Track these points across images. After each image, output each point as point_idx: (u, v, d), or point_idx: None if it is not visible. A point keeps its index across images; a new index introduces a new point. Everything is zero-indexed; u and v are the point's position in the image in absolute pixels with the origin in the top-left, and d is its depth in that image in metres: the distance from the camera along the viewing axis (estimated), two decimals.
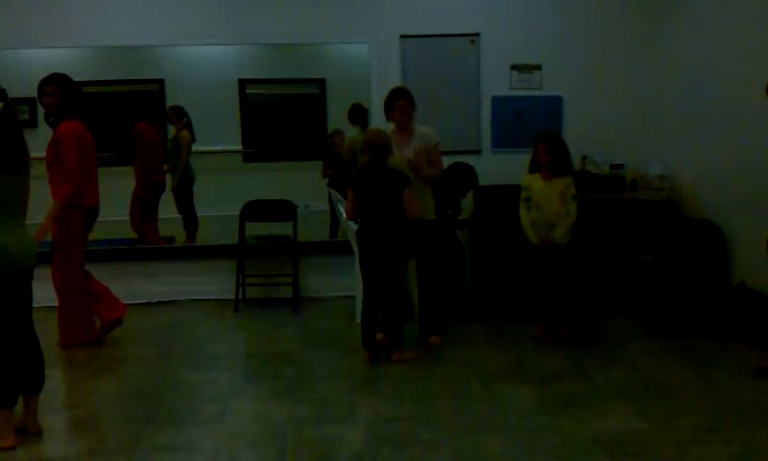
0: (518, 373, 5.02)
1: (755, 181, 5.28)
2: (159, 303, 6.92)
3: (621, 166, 6.84)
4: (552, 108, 7.18)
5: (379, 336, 5.39)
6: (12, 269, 3.81)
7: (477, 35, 7.12)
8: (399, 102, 5.60)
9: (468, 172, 6.46)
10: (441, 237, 5.88)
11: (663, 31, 7.03)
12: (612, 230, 6.48)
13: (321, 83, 9.57)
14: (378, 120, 6.82)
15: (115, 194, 7.72)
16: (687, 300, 5.81)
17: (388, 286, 5.26)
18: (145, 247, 7.65)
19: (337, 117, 9.04)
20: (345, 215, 5.99)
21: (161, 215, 8.33)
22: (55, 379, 4.85)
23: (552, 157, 5.65)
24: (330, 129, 9.08)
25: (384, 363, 5.19)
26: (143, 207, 8.13)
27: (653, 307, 6.08)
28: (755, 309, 5.45)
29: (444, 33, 7.09)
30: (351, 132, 8.27)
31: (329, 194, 7.78)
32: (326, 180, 8.39)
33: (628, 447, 3.84)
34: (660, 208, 6.51)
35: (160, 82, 9.23)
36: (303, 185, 8.66)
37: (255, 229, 7.03)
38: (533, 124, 6.97)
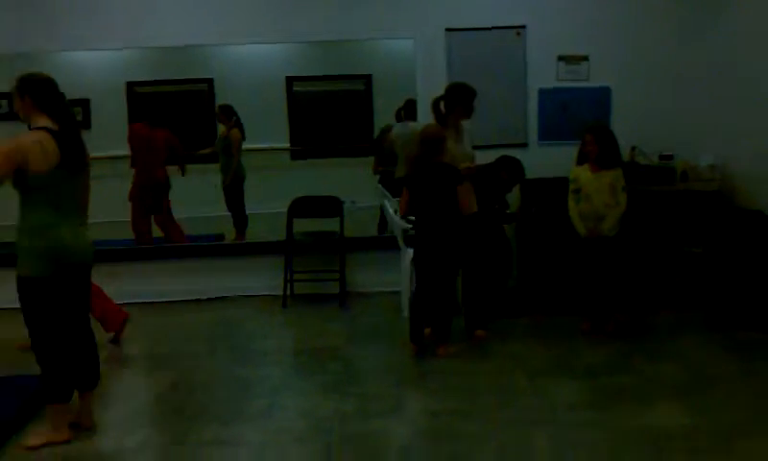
0: (565, 367, 4.99)
1: None
2: (210, 299, 7.02)
3: (671, 157, 6.72)
4: (600, 98, 7.08)
5: (427, 331, 5.41)
6: (68, 262, 3.93)
7: (523, 27, 7.06)
8: (475, 101, 5.69)
9: (515, 165, 6.42)
10: (487, 231, 5.86)
11: (715, 20, 6.86)
12: (662, 221, 6.37)
13: (367, 78, 9.58)
14: (425, 115, 6.83)
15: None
16: (739, 293, 5.70)
17: (441, 282, 5.27)
18: (197, 245, 7.75)
19: (384, 113, 9.06)
20: (391, 211, 6.04)
21: (212, 213, 8.45)
22: (108, 375, 4.97)
23: (600, 148, 5.59)
24: (378, 125, 9.10)
25: (430, 358, 5.20)
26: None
27: (703, 300, 5.97)
28: None
29: (489, 25, 7.05)
30: (407, 127, 8.20)
31: (379, 190, 7.81)
32: (377, 176, 8.41)
33: (674, 441, 3.81)
34: (712, 200, 6.38)
35: (210, 81, 9.35)
36: (351, 181, 8.66)
37: (303, 225, 7.09)
38: (580, 115, 6.88)
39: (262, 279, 7.07)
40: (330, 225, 7.03)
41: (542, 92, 7.11)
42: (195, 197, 8.53)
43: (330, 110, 9.76)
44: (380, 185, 7.69)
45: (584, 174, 5.67)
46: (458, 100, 5.67)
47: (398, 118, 8.52)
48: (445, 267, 5.27)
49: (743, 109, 6.46)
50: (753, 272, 5.76)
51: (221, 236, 8.28)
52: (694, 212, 6.34)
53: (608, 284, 5.61)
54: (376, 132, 9.17)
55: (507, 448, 3.82)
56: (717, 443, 3.78)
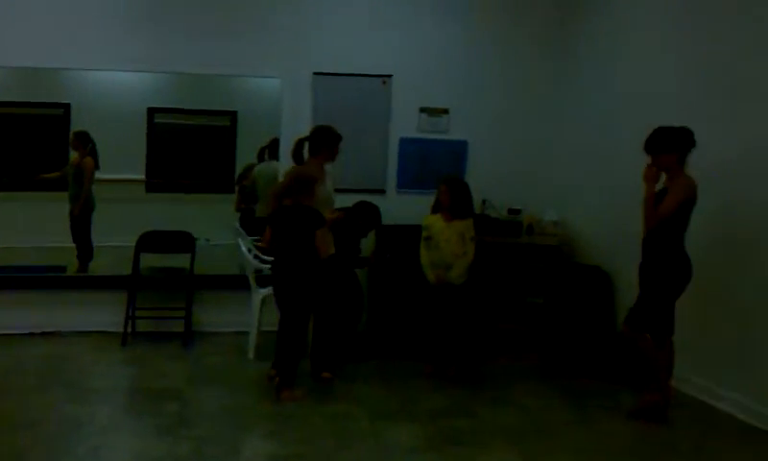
0: (407, 411, 5.00)
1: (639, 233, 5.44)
2: (45, 333, 6.62)
3: (519, 211, 6.98)
4: (457, 151, 7.29)
5: (272, 372, 5.31)
6: None
7: (389, 76, 7.19)
8: (340, 145, 5.75)
9: (372, 211, 6.46)
10: (340, 274, 5.84)
11: (562, 79, 7.27)
12: (507, 272, 6.58)
13: (232, 115, 9.47)
14: (288, 154, 6.78)
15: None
16: (575, 343, 5.94)
17: (291, 322, 5.20)
18: (30, 275, 7.31)
19: (247, 150, 8.96)
20: (244, 249, 5.95)
21: (55, 243, 8.04)
22: None
23: (452, 198, 5.72)
24: (241, 162, 9.00)
25: (273, 401, 5.09)
26: None
27: (542, 349, 6.18)
28: (637, 355, 5.58)
29: (356, 72, 7.14)
30: (270, 166, 8.12)
31: (234, 228, 7.67)
32: (239, 213, 8.30)
33: None
34: (553, 254, 6.67)
35: (66, 106, 8.97)
36: (208, 218, 8.51)
37: (153, 260, 6.86)
38: (438, 166, 7.06)
39: (104, 314, 6.73)
40: (182, 261, 6.82)
41: (403, 141, 7.24)
42: (41, 226, 8.09)
43: (192, 145, 9.54)
44: (237, 223, 7.55)
45: (436, 223, 5.77)
46: (323, 142, 5.69)
47: (261, 157, 8.46)
48: (297, 308, 5.20)
49: (584, 168, 6.83)
50: (588, 323, 6.02)
51: (62, 268, 7.85)
52: (537, 265, 6.59)
53: (453, 331, 5.70)
54: (239, 169, 9.05)
55: None
56: None
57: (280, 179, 6.59)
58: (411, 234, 6.33)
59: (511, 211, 6.99)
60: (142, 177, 9.07)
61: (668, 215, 4.65)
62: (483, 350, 6.20)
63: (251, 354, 6.10)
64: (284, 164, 6.73)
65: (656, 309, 4.79)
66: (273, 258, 5.42)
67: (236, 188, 8.69)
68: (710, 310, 5.13)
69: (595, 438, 4.61)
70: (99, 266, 7.94)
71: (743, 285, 4.94)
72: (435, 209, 5.87)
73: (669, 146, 4.75)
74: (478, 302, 6.06)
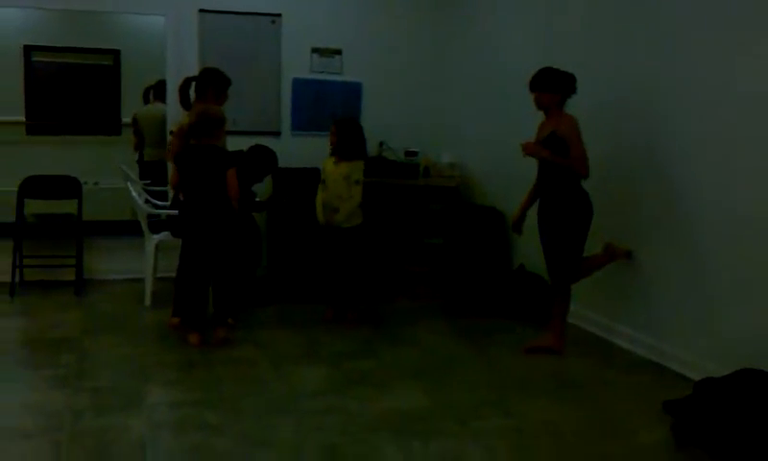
0: (310, 354, 5.04)
1: (533, 173, 5.61)
2: None
3: (415, 153, 7.06)
4: (351, 93, 7.26)
5: (175, 320, 5.25)
6: None
7: (279, 15, 7.06)
8: (228, 90, 5.57)
9: (268, 155, 6.38)
10: (238, 219, 5.76)
11: (456, 21, 7.32)
12: (405, 214, 6.67)
13: (115, 54, 9.08)
14: (175, 96, 6.58)
15: None
16: (473, 282, 6.11)
17: (218, 264, 5.11)
18: None
19: (132, 91, 8.63)
20: (135, 195, 5.76)
21: None
22: None
23: (339, 139, 5.64)
24: (126, 103, 8.69)
25: (173, 349, 5.02)
26: None
27: (442, 289, 6.33)
28: (533, 291, 5.82)
29: (244, 10, 6.96)
30: (156, 108, 7.84)
31: (122, 171, 7.41)
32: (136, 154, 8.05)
33: (412, 423, 3.96)
34: (450, 195, 6.80)
35: None
36: (95, 161, 8.20)
37: (37, 206, 6.56)
38: (333, 108, 7.02)
39: None
40: (69, 207, 6.56)
41: (296, 82, 7.15)
42: None
43: (74, 85, 9.11)
44: (122, 166, 7.31)
45: (329, 165, 5.71)
46: (210, 84, 5.53)
47: (146, 98, 8.18)
48: (219, 248, 5.09)
49: (478, 109, 6.96)
50: (485, 262, 6.20)
51: None
52: (435, 206, 6.71)
53: (348, 274, 5.74)
54: (124, 110, 8.73)
55: (247, 437, 3.76)
56: (454, 423, 3.99)
57: (170, 121, 6.42)
58: (308, 177, 6.31)
59: (408, 154, 7.05)
60: (22, 118, 8.62)
61: (585, 153, 4.81)
62: (379, 291, 6.30)
63: (147, 301, 5.97)
64: (171, 106, 6.56)
65: (573, 250, 4.96)
66: (182, 203, 5.22)
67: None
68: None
69: (494, 373, 4.79)
70: None
71: (633, 223, 5.18)
72: (331, 150, 5.83)
73: (554, 86, 4.90)
74: (373, 244, 6.12)
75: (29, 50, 8.75)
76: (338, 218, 5.60)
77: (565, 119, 4.87)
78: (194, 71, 5.85)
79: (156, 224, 6.06)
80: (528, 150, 4.98)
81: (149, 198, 6.63)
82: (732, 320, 4.37)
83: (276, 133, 7.08)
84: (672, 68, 4.79)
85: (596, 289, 5.39)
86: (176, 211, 5.60)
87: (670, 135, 4.83)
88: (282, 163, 6.49)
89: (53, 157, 7.98)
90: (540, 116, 5.06)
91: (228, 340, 5.15)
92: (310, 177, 6.43)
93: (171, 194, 6.03)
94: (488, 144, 6.82)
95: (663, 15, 4.88)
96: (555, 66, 4.96)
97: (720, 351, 4.38)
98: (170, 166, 5.51)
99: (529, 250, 6.02)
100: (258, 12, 7.01)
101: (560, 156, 4.83)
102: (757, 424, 3.61)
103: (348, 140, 5.63)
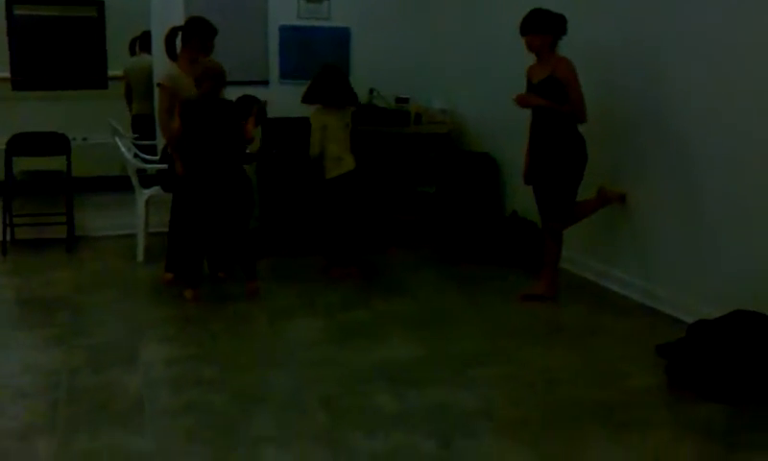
0: (304, 306, 5.04)
1: (525, 118, 5.57)
2: None
3: (406, 100, 6.98)
4: (340, 39, 7.15)
5: (168, 276, 5.24)
6: None
7: None
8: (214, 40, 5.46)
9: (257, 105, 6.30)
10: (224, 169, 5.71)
11: None
12: (397, 162, 6.63)
13: (99, 5, 8.93)
14: (160, 48, 6.47)
15: None
16: (466, 229, 6.10)
17: (232, 219, 5.07)
18: None
19: (118, 43, 8.50)
20: (124, 150, 5.69)
21: None
22: None
23: (328, 88, 5.56)
24: (112, 55, 8.59)
25: (166, 304, 5.02)
26: None
27: (434, 238, 6.32)
28: (525, 237, 5.81)
29: None
30: (143, 60, 7.71)
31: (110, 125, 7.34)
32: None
33: (407, 373, 3.98)
34: (443, 142, 6.75)
35: None
36: (83, 116, 8.12)
37: (26, 164, 6.50)
38: (321, 55, 6.90)
39: None
40: (58, 164, 6.49)
41: (283, 29, 7.03)
42: None
43: (58, 38, 8.97)
44: (111, 121, 7.23)
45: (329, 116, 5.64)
46: (195, 33, 5.43)
47: (132, 50, 8.05)
48: (229, 205, 5.04)
49: (470, 55, 6.86)
50: (478, 209, 6.18)
51: None
52: (427, 154, 6.66)
53: (347, 223, 5.70)
54: (110, 62, 8.63)
55: (244, 391, 3.79)
56: (449, 371, 4.01)
57: (156, 73, 6.31)
58: (298, 127, 6.23)
59: (398, 100, 6.97)
60: (6, 74, 8.50)
61: (583, 96, 4.79)
62: (377, 240, 6.28)
63: (140, 257, 5.95)
64: (157, 58, 6.46)
65: (567, 196, 4.95)
66: (194, 159, 5.11)
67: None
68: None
69: (487, 320, 4.80)
70: None
71: (625, 165, 5.15)
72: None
73: (545, 27, 4.83)
74: (369, 193, 6.08)
75: (10, 3, 8.59)
76: (347, 166, 5.53)
77: (563, 62, 4.81)
78: (180, 21, 5.73)
79: (147, 178, 6.01)
80: (522, 102, 4.93)
81: (138, 152, 6.57)
82: (726, 262, 4.38)
83: (265, 82, 6.98)
84: (668, 14, 4.72)
85: (589, 233, 5.38)
86: (165, 165, 5.55)
87: (663, 76, 4.77)
88: (271, 114, 6.42)
89: (40, 112, 7.91)
90: (529, 60, 5.00)
91: (257, 291, 5.15)
92: (299, 126, 6.36)
93: (160, 147, 5.96)
94: (479, 89, 6.75)
95: None
96: (544, 8, 4.89)
97: (714, 293, 4.39)
98: (159, 118, 5.43)
99: (522, 196, 6.00)
100: None
101: (557, 99, 4.78)
102: (749, 364, 3.64)
103: (341, 86, 5.58)
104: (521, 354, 4.23)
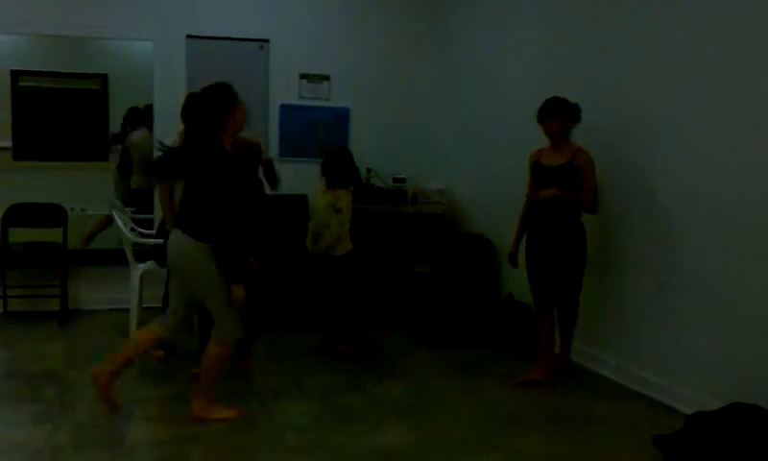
0: (295, 387, 4.97)
1: (520, 198, 5.59)
2: None
3: (404, 180, 7.02)
4: (340, 119, 7.24)
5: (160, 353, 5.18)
6: None
7: (266, 41, 7.05)
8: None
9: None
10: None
11: (443, 49, 7.34)
12: (393, 242, 6.63)
13: (103, 78, 9.05)
14: (162, 122, 6.57)
15: None
16: (461, 312, 6.06)
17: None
18: None
19: (120, 115, 8.60)
20: (121, 224, 5.70)
21: None
22: None
23: (324, 168, 5.64)
24: (114, 127, 8.64)
25: (155, 383, 4.95)
26: None
27: (430, 319, 6.27)
28: (521, 321, 5.77)
29: (232, 36, 6.95)
30: (143, 134, 7.81)
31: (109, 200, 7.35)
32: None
33: (398, 459, 3.91)
34: (439, 222, 6.76)
35: None
36: (82, 187, 8.14)
37: (22, 235, 6.50)
38: (321, 134, 6.99)
39: None
40: (54, 235, 6.50)
41: (284, 108, 7.13)
42: None
43: (61, 110, 9.05)
44: (111, 199, 7.26)
45: (317, 194, 5.70)
46: (224, 108, 5.46)
47: (129, 123, 8.12)
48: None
49: (466, 137, 6.95)
50: (474, 291, 6.15)
51: None
52: (423, 234, 6.67)
53: (339, 303, 5.67)
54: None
55: None
56: (439, 459, 3.93)
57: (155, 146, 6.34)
58: (295, 204, 6.26)
59: (396, 180, 7.02)
60: (8, 144, 8.56)
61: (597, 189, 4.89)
62: (371, 321, 6.23)
63: (132, 332, 5.89)
64: (157, 131, 6.54)
65: (578, 281, 4.98)
66: None
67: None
68: (591, 280, 5.29)
69: (481, 407, 4.73)
70: None
71: (620, 254, 5.16)
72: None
73: (565, 114, 4.90)
74: (362, 272, 6.06)
75: (16, 75, 8.70)
76: (319, 247, 5.57)
77: (583, 151, 4.89)
78: (182, 95, 5.80)
79: (143, 252, 6.00)
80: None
81: (134, 226, 6.57)
82: (718, 350, 4.33)
83: None
84: (656, 96, 4.79)
85: (583, 319, 5.34)
86: (161, 240, 5.53)
87: (653, 161, 4.82)
88: (269, 190, 6.44)
89: (39, 182, 7.91)
90: (527, 143, 5.06)
91: (251, 369, 5.16)
92: (297, 203, 6.39)
93: (157, 222, 5.96)
94: (475, 171, 6.80)
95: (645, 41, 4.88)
96: (542, 93, 4.98)
97: (709, 382, 4.34)
98: (160, 192, 5.43)
99: (518, 279, 5.98)
100: (246, 37, 6.99)
101: (571, 186, 4.85)
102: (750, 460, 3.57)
103: (333, 168, 5.60)
104: (514, 443, 4.15)
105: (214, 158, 4.19)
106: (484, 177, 6.64)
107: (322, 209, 5.59)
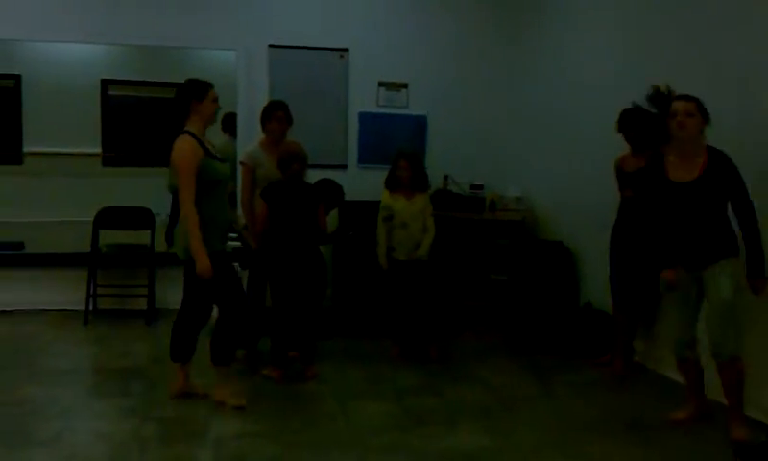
0: (373, 390, 5.03)
1: (604, 208, 5.53)
2: (2, 312, 6.50)
3: (481, 187, 7.02)
4: (417, 126, 7.30)
5: (293, 353, 5.29)
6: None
7: (346, 50, 7.16)
8: (279, 112, 5.59)
9: (335, 189, 6.43)
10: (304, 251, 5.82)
11: (522, 55, 7.30)
12: (470, 249, 6.63)
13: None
14: (245, 129, 6.75)
15: None
16: (538, 319, 6.02)
17: (307, 301, 5.18)
18: None
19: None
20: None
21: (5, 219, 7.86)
22: None
23: (413, 173, 5.71)
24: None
25: (239, 380, 5.06)
26: None
27: (506, 326, 6.25)
28: (599, 330, 5.69)
29: (313, 46, 7.09)
30: (221, 139, 8.05)
31: None
32: None
33: None
34: (517, 230, 6.74)
35: (17, 77, 8.72)
36: (168, 192, 8.38)
37: (113, 237, 6.76)
38: (399, 141, 7.04)
39: (64, 292, 6.68)
40: (143, 238, 6.73)
41: (363, 116, 7.22)
42: None
43: (148, 117, 9.37)
44: None
45: (397, 202, 5.73)
46: (262, 114, 5.70)
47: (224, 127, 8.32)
48: (309, 286, 5.17)
49: (545, 144, 6.90)
50: (551, 299, 6.11)
51: (20, 244, 7.69)
52: (500, 241, 6.65)
53: (420, 309, 5.70)
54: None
55: None
56: None
57: (239, 153, 6.53)
58: (374, 210, 6.31)
59: (473, 187, 7.03)
60: (98, 150, 8.91)
61: None
62: (449, 327, 6.25)
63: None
64: (241, 139, 6.73)
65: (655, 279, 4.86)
66: (275, 238, 5.23)
67: None
68: None
69: (559, 413, 4.69)
70: (60, 242, 7.79)
71: None
72: (391, 186, 5.81)
73: (642, 122, 4.85)
74: (443, 279, 6.10)
75: (106, 84, 9.05)
76: (421, 252, 5.63)
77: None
78: (263, 103, 5.96)
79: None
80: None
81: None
82: None
83: (343, 167, 7.16)
84: None
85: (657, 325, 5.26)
86: (239, 243, 5.68)
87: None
88: (348, 196, 6.55)
89: (127, 188, 8.20)
90: (604, 149, 5.05)
91: (315, 376, 5.20)
92: (376, 209, 6.45)
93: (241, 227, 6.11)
94: (554, 178, 6.74)
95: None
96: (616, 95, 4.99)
97: None
98: (241, 195, 5.60)
99: (597, 287, 5.92)
100: (327, 47, 7.13)
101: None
102: None
103: (420, 173, 5.72)
104: (591, 449, 4.11)
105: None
106: (562, 183, 6.58)
107: (415, 215, 5.65)
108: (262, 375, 5.14)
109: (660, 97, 4.42)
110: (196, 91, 4.55)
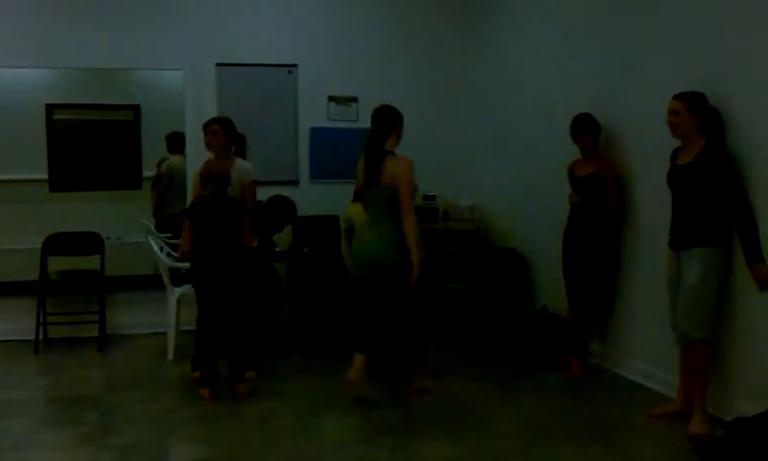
0: (334, 405, 4.99)
1: (554, 213, 5.61)
2: None
3: (434, 197, 7.06)
4: None
5: (195, 374, 5.20)
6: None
7: (295, 66, 7.14)
8: (213, 126, 5.57)
9: (287, 205, 6.41)
10: (258, 269, 5.78)
11: (470, 65, 7.38)
12: (425, 259, 6.62)
13: (135, 109, 9.21)
14: (194, 148, 6.69)
15: None
16: (495, 326, 6.05)
17: (232, 315, 5.11)
18: None
19: (152, 145, 8.73)
20: (156, 248, 5.78)
21: None
22: None
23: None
24: (147, 157, 8.76)
25: (196, 403, 5.00)
26: None
27: (464, 334, 6.27)
28: (556, 333, 5.75)
29: (261, 62, 7.06)
30: (171, 160, 7.98)
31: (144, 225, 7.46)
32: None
33: None
34: (470, 238, 6.79)
35: None
36: (117, 216, 8.26)
37: (60, 263, 6.62)
38: (351, 155, 7.02)
39: (12, 321, 6.51)
40: (92, 263, 6.61)
41: (314, 131, 7.21)
42: None
43: (95, 141, 9.22)
44: (144, 220, 7.37)
45: (357, 213, 5.69)
46: (203, 130, 5.67)
47: (170, 148, 8.24)
48: (233, 300, 5.11)
49: (496, 152, 6.97)
50: (507, 305, 6.15)
51: None
52: (455, 250, 6.69)
53: (385, 322, 5.64)
54: (145, 164, 8.82)
55: None
56: None
57: (189, 172, 6.48)
58: (328, 225, 6.32)
59: (426, 198, 7.05)
60: (45, 176, 8.73)
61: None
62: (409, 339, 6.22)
63: (170, 355, 5.98)
64: (190, 158, 6.67)
65: (608, 280, 5.29)
66: (195, 254, 5.22)
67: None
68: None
69: (521, 419, 4.71)
70: (5, 271, 7.61)
71: (637, 256, 5.20)
72: (354, 197, 5.78)
73: (594, 128, 5.25)
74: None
75: (51, 108, 8.89)
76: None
77: (608, 162, 5.25)
78: None
79: (178, 277, 6.09)
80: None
81: (170, 251, 6.67)
82: (758, 354, 4.28)
83: (295, 182, 7.13)
84: None
85: (614, 326, 5.33)
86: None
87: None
88: (301, 212, 6.52)
89: (76, 213, 8.05)
90: (554, 155, 5.15)
91: (252, 392, 5.12)
92: (330, 224, 6.45)
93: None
94: (506, 186, 6.82)
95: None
96: (573, 104, 5.11)
97: (747, 387, 4.29)
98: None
99: (551, 291, 5.99)
100: (275, 63, 7.10)
101: (597, 194, 5.17)
102: None
103: None
104: (553, 454, 4.14)
105: None
106: (514, 190, 6.66)
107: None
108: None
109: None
110: (400, 117, 5.35)
